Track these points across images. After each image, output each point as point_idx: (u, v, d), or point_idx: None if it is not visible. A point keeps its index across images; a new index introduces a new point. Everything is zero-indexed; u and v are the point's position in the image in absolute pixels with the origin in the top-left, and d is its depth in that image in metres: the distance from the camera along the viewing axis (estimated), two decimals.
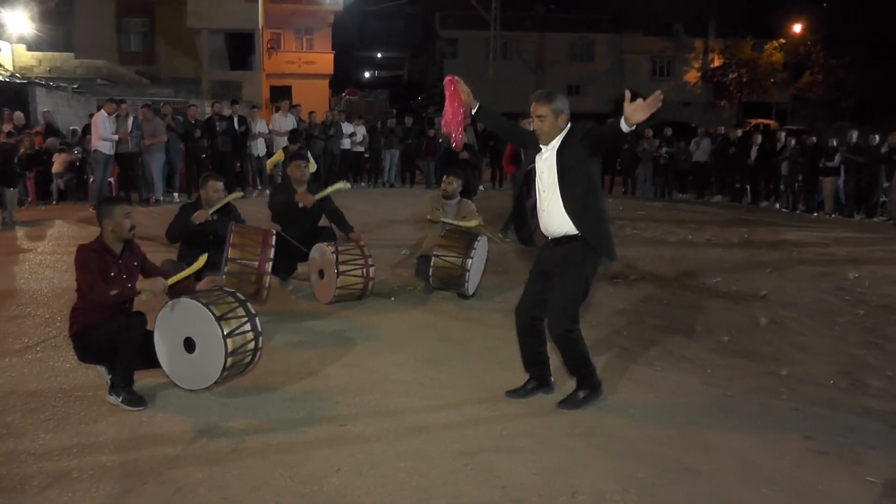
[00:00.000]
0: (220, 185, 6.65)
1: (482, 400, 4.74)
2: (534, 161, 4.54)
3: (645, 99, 3.98)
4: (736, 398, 4.97)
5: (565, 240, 4.44)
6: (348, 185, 7.72)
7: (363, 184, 18.01)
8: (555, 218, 4.42)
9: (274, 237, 6.43)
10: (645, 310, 7.13)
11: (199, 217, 6.46)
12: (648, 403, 4.79)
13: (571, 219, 4.33)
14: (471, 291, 7.12)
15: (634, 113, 3.97)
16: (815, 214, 15.88)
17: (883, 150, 14.89)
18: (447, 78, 4.84)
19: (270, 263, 6.34)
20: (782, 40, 39.54)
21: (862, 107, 34.64)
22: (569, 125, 4.43)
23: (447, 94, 4.80)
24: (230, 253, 6.20)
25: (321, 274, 6.93)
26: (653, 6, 40.72)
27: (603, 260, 4.57)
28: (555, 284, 4.49)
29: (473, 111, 4.79)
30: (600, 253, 4.44)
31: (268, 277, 6.36)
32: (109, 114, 13.06)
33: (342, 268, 6.71)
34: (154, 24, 33.00)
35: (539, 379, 4.82)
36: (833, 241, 11.60)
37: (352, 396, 4.71)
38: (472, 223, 7.27)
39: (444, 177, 7.65)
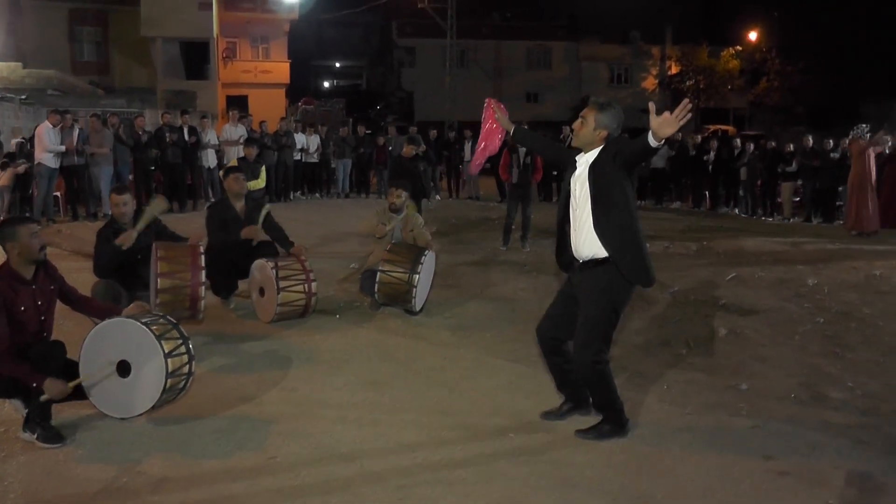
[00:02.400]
0: (125, 197, 6.14)
1: (422, 425, 4.45)
2: (570, 181, 4.29)
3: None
4: (693, 416, 4.74)
5: (593, 263, 4.15)
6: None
7: (318, 195, 17.67)
8: (585, 238, 4.14)
9: (202, 255, 6.05)
10: None
11: (127, 240, 5.94)
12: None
13: (601, 239, 4.05)
14: (418, 307, 6.84)
15: (662, 127, 3.70)
16: (773, 219, 15.92)
17: (835, 155, 14.99)
18: (487, 100, 4.87)
19: (203, 287, 5.96)
20: (738, 47, 40.01)
21: (816, 112, 35.20)
22: (605, 143, 4.15)
23: (485, 114, 4.81)
24: (159, 283, 5.81)
25: (262, 291, 6.58)
26: (609, 14, 40.99)
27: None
28: (580, 314, 4.20)
29: (511, 133, 4.78)
30: (631, 279, 4.14)
31: (202, 301, 6.00)
32: (54, 125, 12.59)
33: (282, 284, 6.37)
34: (108, 33, 32.35)
35: (574, 400, 4.53)
36: (792, 247, 11.53)
37: (284, 425, 4.39)
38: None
39: (391, 189, 7.38)
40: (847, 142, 14.52)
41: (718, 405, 4.97)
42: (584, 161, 4.18)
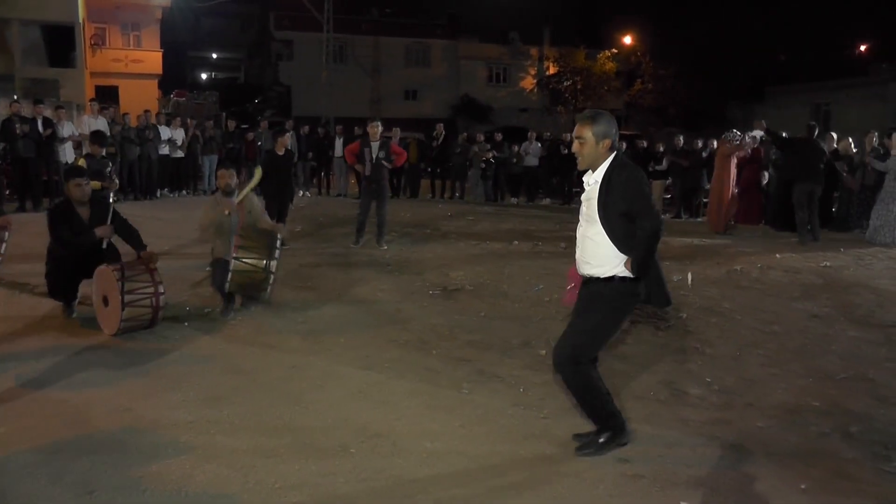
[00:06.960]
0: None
1: (258, 446, 4.11)
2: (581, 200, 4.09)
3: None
4: (549, 420, 4.62)
5: (593, 281, 3.96)
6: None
7: (185, 192, 16.91)
8: (589, 253, 3.95)
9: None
10: (460, 323, 6.71)
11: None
12: (448, 435, 4.32)
13: (623, 253, 3.87)
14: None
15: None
16: None
17: (704, 154, 15.51)
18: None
19: None
20: (615, 50, 41.15)
21: (688, 114, 36.70)
22: (614, 153, 3.94)
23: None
24: None
25: (105, 301, 6.04)
26: (488, 14, 41.45)
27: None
28: (576, 321, 4.02)
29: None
30: (651, 301, 4.03)
31: None
32: None
33: (128, 298, 5.85)
34: None
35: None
36: (661, 244, 11.71)
37: (107, 453, 3.93)
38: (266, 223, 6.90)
39: (221, 171, 7.10)
40: (716, 144, 14.99)
41: (576, 407, 4.86)
42: (594, 179, 3.98)
